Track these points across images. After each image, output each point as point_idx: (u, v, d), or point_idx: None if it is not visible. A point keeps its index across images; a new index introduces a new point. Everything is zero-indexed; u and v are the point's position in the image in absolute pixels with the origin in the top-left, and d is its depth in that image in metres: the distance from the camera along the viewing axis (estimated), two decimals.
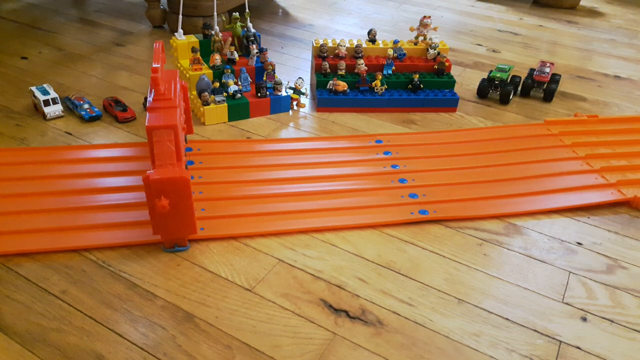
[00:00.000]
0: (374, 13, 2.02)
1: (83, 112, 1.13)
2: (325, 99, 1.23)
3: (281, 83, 1.22)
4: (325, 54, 1.28)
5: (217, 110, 1.15)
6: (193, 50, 1.18)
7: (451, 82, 1.28)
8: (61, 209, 0.87)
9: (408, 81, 1.26)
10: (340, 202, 0.93)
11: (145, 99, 1.19)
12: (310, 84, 1.34)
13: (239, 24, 1.23)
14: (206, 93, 1.13)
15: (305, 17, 1.91)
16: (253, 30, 1.25)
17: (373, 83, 1.24)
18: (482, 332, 0.70)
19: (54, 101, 1.13)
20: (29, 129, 1.10)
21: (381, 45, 1.31)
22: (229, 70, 1.18)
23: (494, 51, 1.70)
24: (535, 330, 0.71)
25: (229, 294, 0.74)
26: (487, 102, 1.34)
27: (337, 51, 1.28)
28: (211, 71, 1.19)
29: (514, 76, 1.36)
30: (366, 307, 0.73)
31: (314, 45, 1.28)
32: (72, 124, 1.13)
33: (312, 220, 0.88)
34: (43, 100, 1.12)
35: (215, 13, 1.23)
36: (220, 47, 1.23)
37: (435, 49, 1.29)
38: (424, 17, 1.32)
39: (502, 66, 1.37)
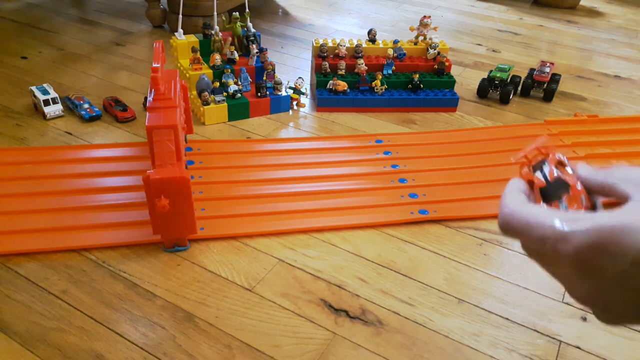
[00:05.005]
0: (374, 13, 2.02)
1: (83, 112, 1.13)
2: (325, 98, 1.23)
3: (281, 83, 1.22)
4: (325, 54, 1.28)
5: (217, 110, 1.15)
6: (193, 50, 1.18)
7: (451, 82, 1.28)
8: (61, 209, 0.87)
9: (408, 81, 1.26)
10: (340, 202, 0.93)
11: (145, 98, 1.19)
12: (310, 84, 1.34)
13: (239, 23, 1.23)
14: (206, 93, 1.13)
15: (305, 17, 1.91)
16: (253, 30, 1.25)
17: (373, 83, 1.24)
18: (482, 332, 0.70)
19: (54, 101, 1.13)
20: (29, 128, 1.10)
21: (381, 45, 1.30)
22: (229, 70, 1.18)
23: (494, 51, 1.70)
24: (535, 330, 0.71)
25: (229, 293, 0.74)
26: (487, 102, 1.34)
27: (337, 51, 1.28)
28: (211, 71, 1.19)
29: (514, 76, 1.36)
30: (366, 307, 0.73)
31: (314, 45, 1.28)
32: (72, 123, 1.13)
33: (312, 220, 0.88)
34: (43, 100, 1.12)
35: (215, 13, 1.23)
36: (220, 47, 1.23)
37: (435, 49, 1.29)
38: (424, 17, 1.32)
39: (502, 66, 1.37)
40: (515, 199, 0.28)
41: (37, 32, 1.62)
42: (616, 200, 0.26)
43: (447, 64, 1.29)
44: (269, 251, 0.82)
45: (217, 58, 1.19)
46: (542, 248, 0.26)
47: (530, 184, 0.30)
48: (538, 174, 0.30)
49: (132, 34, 1.64)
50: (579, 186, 0.28)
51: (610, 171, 0.27)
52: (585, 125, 1.21)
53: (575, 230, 0.24)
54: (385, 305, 0.74)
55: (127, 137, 1.09)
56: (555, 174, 0.29)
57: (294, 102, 1.26)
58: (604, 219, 0.24)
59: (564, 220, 0.25)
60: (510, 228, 0.28)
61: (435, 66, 1.29)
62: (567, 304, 0.76)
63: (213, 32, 1.23)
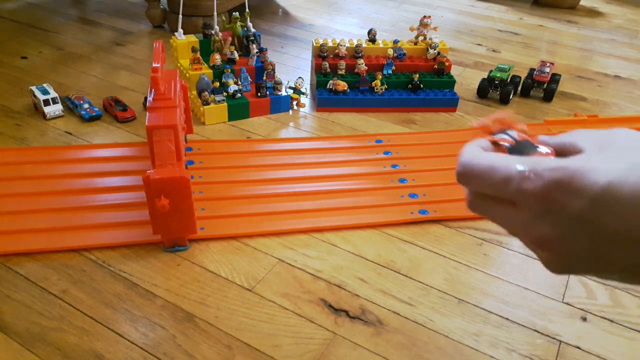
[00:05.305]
0: (374, 13, 2.02)
1: (83, 112, 1.13)
2: (325, 98, 1.23)
3: (281, 83, 1.22)
4: (325, 54, 1.28)
5: (217, 110, 1.15)
6: (193, 50, 1.18)
7: (451, 82, 1.28)
8: (61, 209, 0.87)
9: (408, 81, 1.26)
10: (340, 202, 0.93)
11: (145, 98, 1.19)
12: (310, 84, 1.34)
13: (239, 23, 1.23)
14: (206, 93, 1.13)
15: (305, 17, 1.91)
16: (253, 30, 1.25)
17: (373, 83, 1.24)
18: (482, 332, 0.70)
19: (54, 101, 1.13)
20: (29, 128, 1.10)
21: (381, 45, 1.30)
22: (229, 70, 1.18)
23: (494, 51, 1.70)
24: (535, 330, 0.71)
25: (229, 293, 0.74)
26: (487, 102, 1.34)
27: (337, 51, 1.28)
28: (211, 71, 1.19)
29: (514, 76, 1.36)
30: (366, 307, 0.73)
31: (314, 45, 1.28)
32: (72, 123, 1.13)
33: (312, 220, 0.88)
34: (43, 100, 1.12)
35: (215, 13, 1.23)
36: (220, 46, 1.23)
37: (435, 49, 1.29)
38: (424, 17, 1.32)
39: (502, 66, 1.37)
40: (476, 149, 0.29)
41: (37, 32, 1.62)
42: None
43: (447, 64, 1.29)
44: (269, 251, 0.82)
45: (217, 58, 1.19)
46: (503, 189, 0.27)
47: (496, 146, 0.30)
48: (503, 136, 0.30)
49: (132, 34, 1.64)
50: (548, 148, 0.29)
51: (571, 132, 0.29)
52: (585, 125, 1.21)
53: (543, 168, 0.25)
54: (385, 305, 0.74)
55: (127, 137, 1.09)
56: (523, 136, 0.30)
57: (294, 102, 1.26)
58: (566, 161, 0.25)
59: (529, 162, 0.26)
60: (471, 172, 0.28)
61: (435, 66, 1.29)
62: (567, 304, 0.76)
63: (213, 32, 1.23)
